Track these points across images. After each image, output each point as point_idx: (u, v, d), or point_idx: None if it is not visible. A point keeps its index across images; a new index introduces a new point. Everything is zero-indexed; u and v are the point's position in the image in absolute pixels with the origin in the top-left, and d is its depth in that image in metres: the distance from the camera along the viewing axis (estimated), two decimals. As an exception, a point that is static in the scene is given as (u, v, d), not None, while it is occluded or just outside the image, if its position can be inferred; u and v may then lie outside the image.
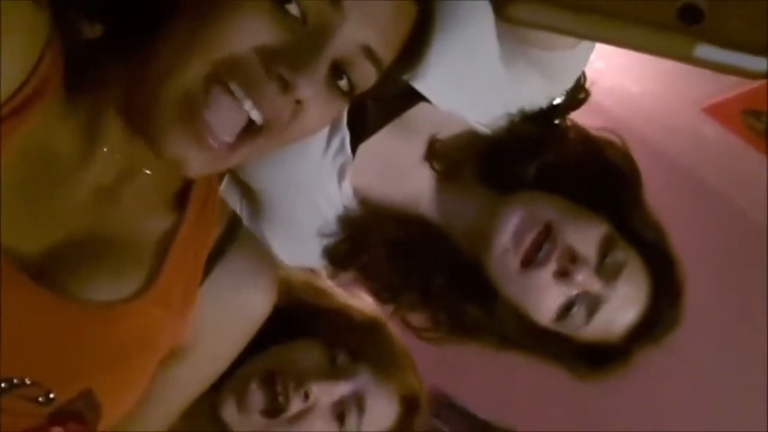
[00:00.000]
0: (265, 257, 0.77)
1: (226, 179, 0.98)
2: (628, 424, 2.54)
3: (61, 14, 0.61)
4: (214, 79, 0.57)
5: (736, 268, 2.63)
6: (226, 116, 0.58)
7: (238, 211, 0.99)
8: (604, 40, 0.44)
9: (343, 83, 0.61)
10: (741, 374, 2.56)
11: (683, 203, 2.68)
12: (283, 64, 0.56)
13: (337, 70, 0.60)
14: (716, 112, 2.44)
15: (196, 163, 0.59)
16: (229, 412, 0.97)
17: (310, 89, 0.58)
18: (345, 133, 0.92)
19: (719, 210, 2.75)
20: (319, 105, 0.60)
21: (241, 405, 0.96)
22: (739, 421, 2.49)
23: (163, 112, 0.57)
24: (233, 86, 0.57)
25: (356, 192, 0.96)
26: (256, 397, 0.96)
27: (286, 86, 0.57)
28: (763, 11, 0.40)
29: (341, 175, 0.94)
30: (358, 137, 0.93)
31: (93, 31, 0.65)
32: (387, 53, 0.62)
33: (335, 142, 0.92)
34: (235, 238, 0.73)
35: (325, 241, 0.98)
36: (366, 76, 0.62)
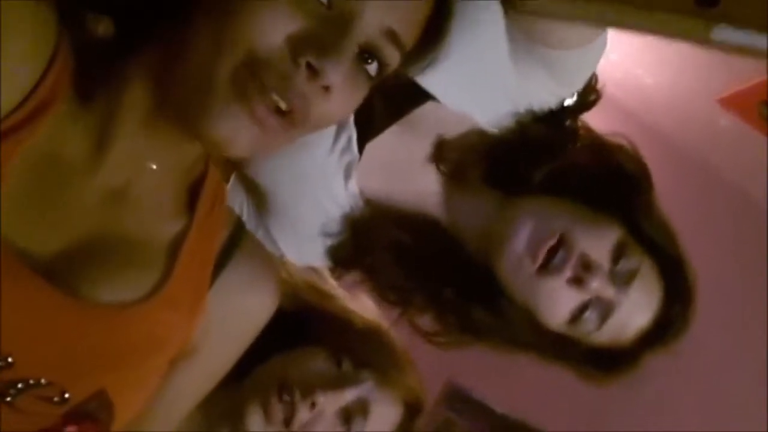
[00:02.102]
0: (268, 261, 0.79)
1: (232, 178, 0.98)
2: (641, 417, 2.54)
3: (70, 13, 0.61)
4: (244, 73, 0.57)
5: (752, 263, 2.61)
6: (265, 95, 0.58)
7: (244, 209, 1.00)
8: (618, 26, 0.43)
9: (370, 68, 0.61)
10: (750, 368, 2.56)
11: (698, 196, 2.66)
12: (310, 51, 0.57)
13: (363, 55, 0.60)
14: (732, 103, 2.41)
15: (245, 141, 0.59)
16: (256, 422, 0.99)
17: (338, 75, 0.58)
18: (352, 131, 0.91)
19: (734, 203, 2.72)
20: (345, 91, 0.61)
21: (267, 416, 0.99)
22: (742, 408, 2.52)
23: (213, 91, 0.57)
24: (261, 79, 0.57)
25: (362, 192, 0.96)
26: (278, 408, 0.99)
27: (314, 73, 0.57)
28: None
29: (347, 174, 0.94)
30: (365, 136, 0.93)
31: (104, 29, 0.65)
32: (409, 37, 0.63)
33: (342, 140, 0.92)
34: (240, 242, 0.74)
35: (329, 241, 0.98)
36: (390, 60, 0.62)
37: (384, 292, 1.01)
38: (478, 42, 0.85)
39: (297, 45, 0.57)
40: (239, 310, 0.74)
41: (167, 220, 0.69)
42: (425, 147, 0.95)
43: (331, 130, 0.91)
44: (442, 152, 0.95)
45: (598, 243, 0.90)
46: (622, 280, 0.90)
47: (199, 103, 0.58)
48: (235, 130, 0.58)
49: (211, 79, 0.57)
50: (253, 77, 0.57)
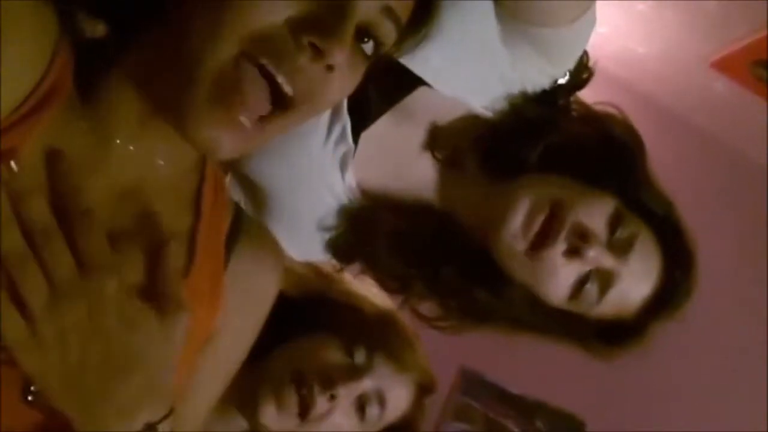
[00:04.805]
0: (269, 239, 0.79)
1: (228, 177, 0.97)
2: (656, 392, 2.55)
3: (64, 16, 0.61)
4: (244, 57, 0.57)
5: (755, 225, 2.61)
6: (258, 92, 0.58)
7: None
8: None
9: (366, 46, 0.62)
10: (755, 336, 2.58)
11: (697, 161, 2.66)
12: (313, 32, 0.57)
13: (361, 33, 0.61)
14: (724, 66, 2.40)
15: (228, 145, 0.59)
16: (269, 412, 1.00)
17: (342, 54, 0.58)
18: (346, 121, 0.91)
19: (733, 165, 2.72)
20: (346, 71, 0.61)
21: (280, 407, 1.00)
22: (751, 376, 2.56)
23: (195, 94, 0.57)
24: (264, 61, 0.57)
25: (359, 183, 0.95)
26: (292, 399, 1.00)
27: (318, 53, 0.57)
28: None
29: (343, 165, 0.93)
30: (359, 125, 0.92)
31: (96, 30, 0.65)
32: (404, 12, 0.64)
33: (336, 131, 0.91)
34: (242, 226, 0.74)
35: (328, 234, 0.98)
36: (388, 36, 0.63)
37: (385, 281, 1.02)
38: (466, 23, 0.84)
39: (298, 26, 0.57)
40: (251, 291, 0.75)
41: (179, 215, 0.69)
42: (419, 135, 0.95)
43: (325, 121, 0.91)
44: (437, 139, 0.94)
45: (593, 213, 0.89)
46: (621, 249, 0.89)
47: (182, 103, 0.58)
48: (217, 137, 0.58)
49: (196, 78, 0.57)
50: (252, 65, 0.57)
